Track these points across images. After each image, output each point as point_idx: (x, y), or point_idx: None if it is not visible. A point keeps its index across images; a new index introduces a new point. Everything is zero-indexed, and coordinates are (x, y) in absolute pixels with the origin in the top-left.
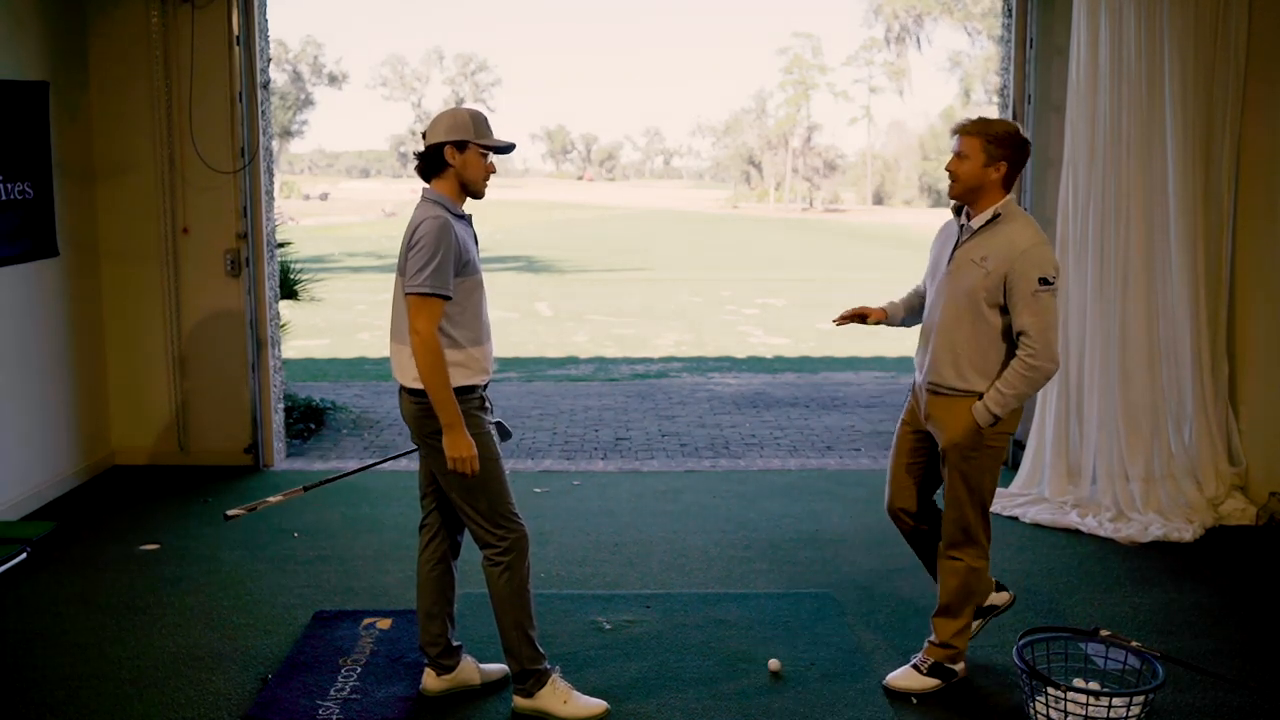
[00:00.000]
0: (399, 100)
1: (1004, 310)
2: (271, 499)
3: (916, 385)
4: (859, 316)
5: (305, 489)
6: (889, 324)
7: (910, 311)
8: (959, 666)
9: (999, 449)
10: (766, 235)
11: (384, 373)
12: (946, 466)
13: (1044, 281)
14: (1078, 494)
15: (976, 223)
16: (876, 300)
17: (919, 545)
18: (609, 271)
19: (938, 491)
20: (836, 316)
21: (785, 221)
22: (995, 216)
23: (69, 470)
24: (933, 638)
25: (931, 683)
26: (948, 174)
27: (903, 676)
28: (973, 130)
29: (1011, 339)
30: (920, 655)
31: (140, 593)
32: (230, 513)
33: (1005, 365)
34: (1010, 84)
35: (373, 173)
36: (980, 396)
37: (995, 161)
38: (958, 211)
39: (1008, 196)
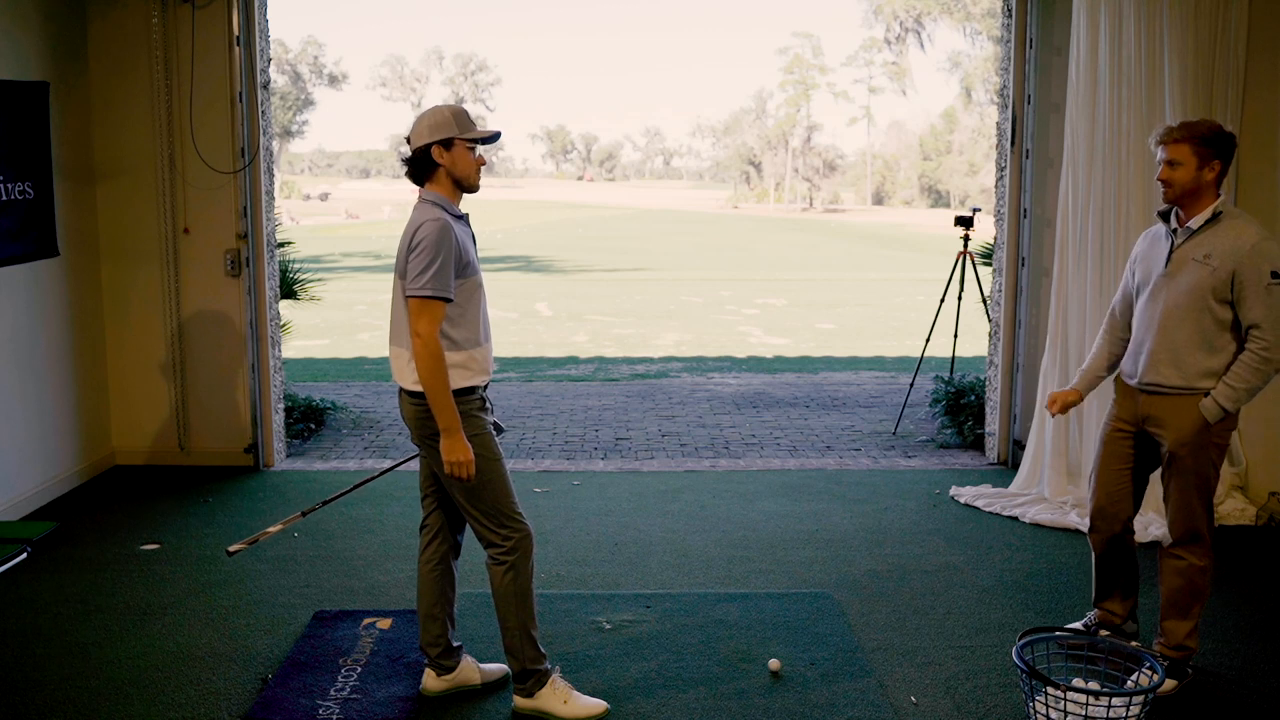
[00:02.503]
0: (399, 100)
1: (1230, 305)
2: (271, 529)
3: (1125, 387)
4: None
5: (303, 514)
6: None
7: (1103, 372)
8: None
9: (1224, 445)
10: (766, 235)
11: (384, 373)
12: (1174, 466)
13: (1275, 275)
14: (1078, 494)
15: (1195, 223)
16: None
17: (1113, 558)
18: (609, 271)
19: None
20: (1058, 409)
21: (785, 222)
22: (1216, 215)
23: (69, 470)
24: (1163, 639)
25: (1170, 684)
26: (1161, 184)
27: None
28: (1180, 136)
29: (1234, 333)
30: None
31: (140, 593)
32: (232, 548)
33: (1230, 360)
34: (1010, 84)
35: (373, 173)
36: (1205, 393)
37: (1208, 162)
38: (1164, 217)
39: (1223, 195)
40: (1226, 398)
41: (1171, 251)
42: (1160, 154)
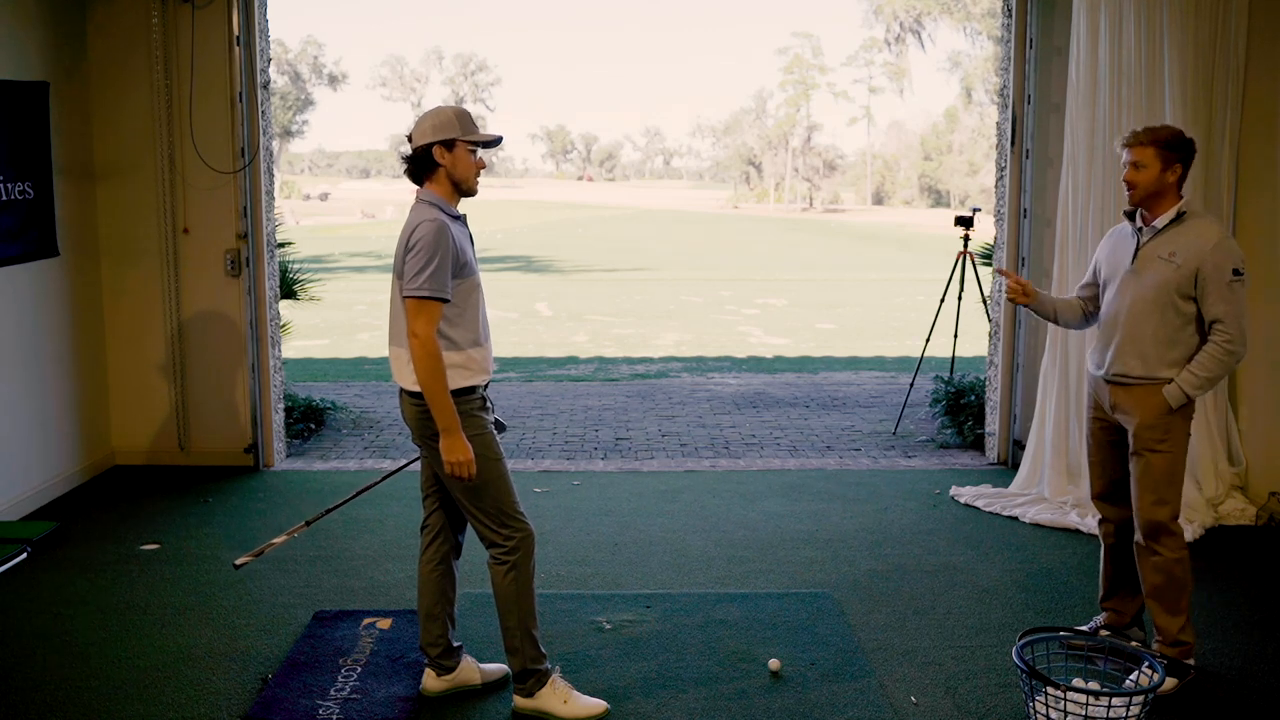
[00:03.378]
0: (399, 100)
1: (1194, 300)
2: (277, 540)
3: (1095, 380)
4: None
5: (308, 523)
6: (1036, 310)
7: (1058, 312)
8: (1192, 661)
9: (1185, 437)
10: (766, 235)
11: (384, 373)
12: (1137, 454)
13: (1236, 272)
14: (1078, 494)
15: (1160, 222)
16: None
17: (1123, 550)
18: (609, 271)
19: None
20: (1012, 287)
21: (785, 222)
22: (1180, 215)
23: (69, 470)
24: (1159, 638)
25: (1170, 682)
26: (1125, 184)
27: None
28: (1145, 140)
29: (1196, 327)
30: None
31: (140, 593)
32: (238, 561)
33: (1192, 352)
34: (1010, 84)
35: (373, 173)
36: (1168, 381)
37: (1170, 165)
38: (1130, 216)
39: (1186, 197)
40: (1191, 385)
41: (1138, 249)
42: (1125, 156)
